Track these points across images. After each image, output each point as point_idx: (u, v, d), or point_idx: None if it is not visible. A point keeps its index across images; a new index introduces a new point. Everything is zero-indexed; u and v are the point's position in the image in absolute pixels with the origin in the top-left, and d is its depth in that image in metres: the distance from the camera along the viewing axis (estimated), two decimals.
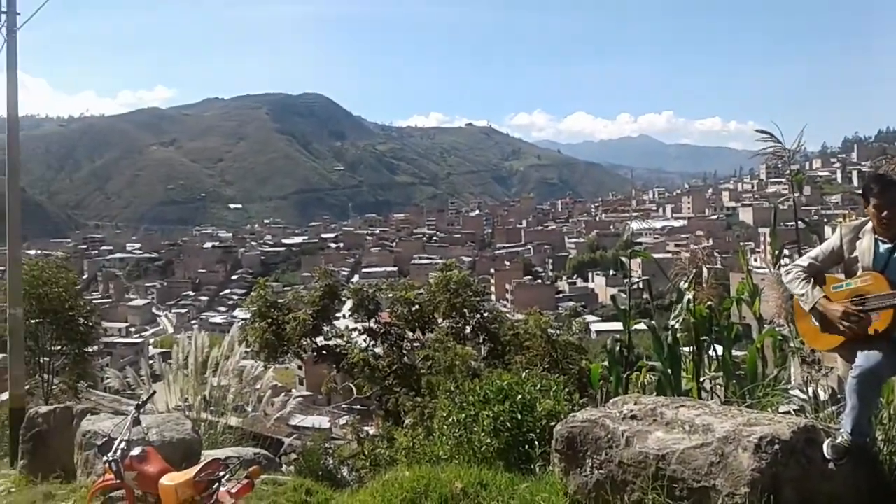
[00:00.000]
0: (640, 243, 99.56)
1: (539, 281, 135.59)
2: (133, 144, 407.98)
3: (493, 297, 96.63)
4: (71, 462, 8.29)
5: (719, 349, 7.07)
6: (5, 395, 13.37)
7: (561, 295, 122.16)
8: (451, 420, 6.95)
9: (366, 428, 12.81)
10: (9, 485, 8.67)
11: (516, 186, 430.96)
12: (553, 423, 6.30)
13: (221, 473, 5.05)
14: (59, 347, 16.23)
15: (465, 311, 14.39)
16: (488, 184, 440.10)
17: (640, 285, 8.61)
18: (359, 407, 16.42)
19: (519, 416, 6.53)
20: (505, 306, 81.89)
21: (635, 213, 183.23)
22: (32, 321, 14.90)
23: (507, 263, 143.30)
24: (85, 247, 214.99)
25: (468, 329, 14.44)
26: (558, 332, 14.02)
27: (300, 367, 40.92)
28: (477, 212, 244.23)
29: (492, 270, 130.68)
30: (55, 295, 15.44)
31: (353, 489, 7.37)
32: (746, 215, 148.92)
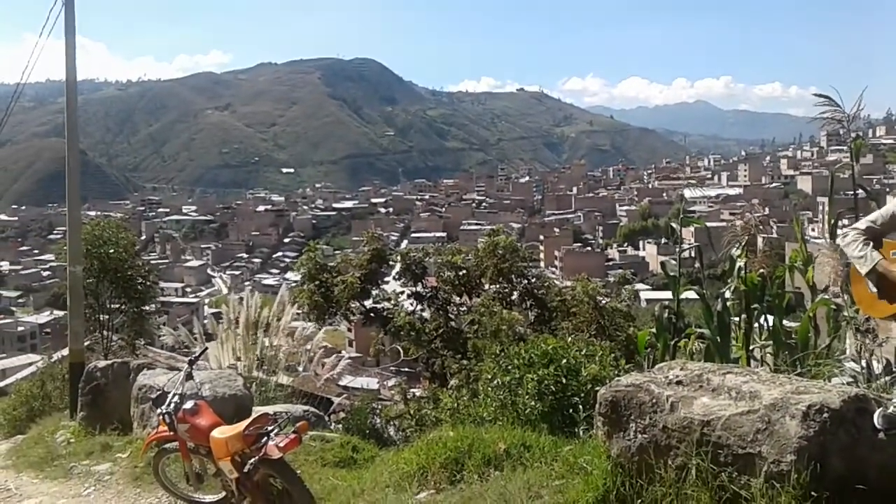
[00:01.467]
0: (694, 211, 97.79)
1: (588, 248, 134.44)
2: (189, 108, 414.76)
3: (541, 263, 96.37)
4: (127, 414, 8.60)
5: (770, 318, 6.95)
6: (66, 350, 13.87)
7: (611, 263, 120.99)
8: (495, 383, 6.99)
9: (412, 389, 12.97)
10: (69, 435, 8.97)
11: (567, 153, 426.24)
12: (597, 388, 6.30)
13: (270, 427, 5.19)
14: (118, 305, 16.72)
15: (512, 276, 14.37)
16: (539, 150, 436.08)
17: (692, 253, 8.47)
18: (406, 369, 16.65)
19: (563, 380, 6.54)
20: (553, 273, 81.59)
21: (689, 181, 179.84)
22: (92, 279, 15.35)
23: (557, 230, 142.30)
24: (143, 208, 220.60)
25: (515, 294, 14.43)
26: (606, 299, 13.91)
27: (349, 329, 41.53)
28: (527, 178, 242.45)
29: (541, 237, 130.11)
30: (115, 255, 15.87)
31: (398, 447, 7.50)
32: (805, 184, 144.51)
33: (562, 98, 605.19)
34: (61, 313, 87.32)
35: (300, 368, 12.16)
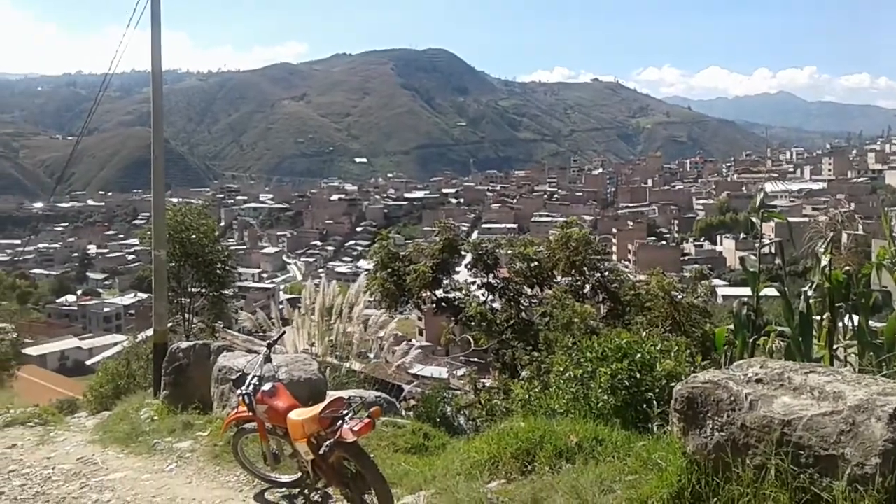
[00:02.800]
0: (775, 206, 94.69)
1: (663, 242, 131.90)
2: (266, 99, 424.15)
3: (614, 256, 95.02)
4: (208, 394, 8.88)
5: (855, 318, 6.69)
6: (150, 331, 14.44)
7: (686, 257, 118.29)
8: (567, 375, 6.96)
9: (482, 380, 13.01)
10: (152, 413, 9.29)
11: (642, 144, 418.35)
12: (673, 384, 6.20)
13: (345, 411, 5.30)
14: (198, 289, 17.32)
15: (585, 269, 14.21)
16: (613, 141, 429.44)
17: (772, 249, 8.21)
18: (476, 359, 16.65)
19: (637, 375, 6.46)
20: (626, 267, 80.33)
21: (770, 174, 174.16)
22: (175, 264, 15.92)
23: (631, 223, 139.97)
24: (222, 196, 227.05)
25: (587, 287, 14.29)
26: (682, 294, 13.61)
27: (420, 318, 41.88)
28: (600, 170, 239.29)
29: (614, 230, 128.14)
30: (196, 240, 16.43)
31: (469, 436, 7.54)
32: (893, 179, 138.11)
33: (637, 88, 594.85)
34: (145, 295, 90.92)
35: (371, 355, 12.34)
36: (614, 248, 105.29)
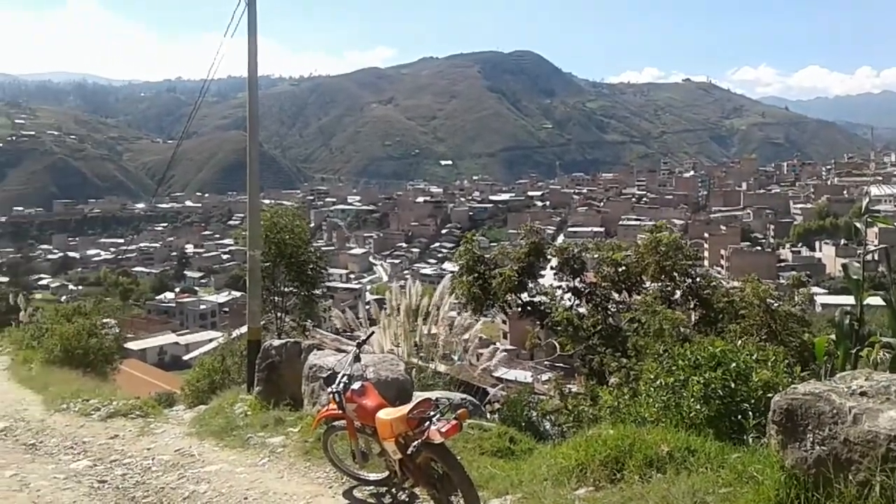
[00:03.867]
0: (879, 210, 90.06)
1: (758, 248, 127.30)
2: (355, 102, 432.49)
3: (706, 262, 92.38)
4: (298, 391, 9.08)
5: None
6: (244, 329, 14.91)
7: (783, 264, 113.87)
8: (658, 383, 6.82)
9: (568, 385, 12.88)
10: (246, 408, 9.55)
11: (736, 146, 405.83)
12: (770, 395, 6.00)
13: (432, 413, 5.34)
14: (290, 289, 17.78)
15: (675, 274, 13.86)
16: (705, 143, 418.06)
17: (877, 255, 7.82)
18: (561, 364, 16.50)
19: (732, 385, 6.27)
20: (719, 272, 77.99)
21: (875, 177, 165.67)
22: (269, 263, 16.38)
23: (724, 228, 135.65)
24: (312, 198, 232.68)
25: (678, 293, 13.93)
26: (778, 301, 13.10)
27: (504, 322, 41.81)
28: (692, 173, 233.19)
29: (706, 235, 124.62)
30: (290, 241, 16.88)
31: (555, 442, 7.49)
32: None
33: (731, 89, 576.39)
34: (239, 294, 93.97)
35: (455, 357, 12.39)
36: (706, 254, 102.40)
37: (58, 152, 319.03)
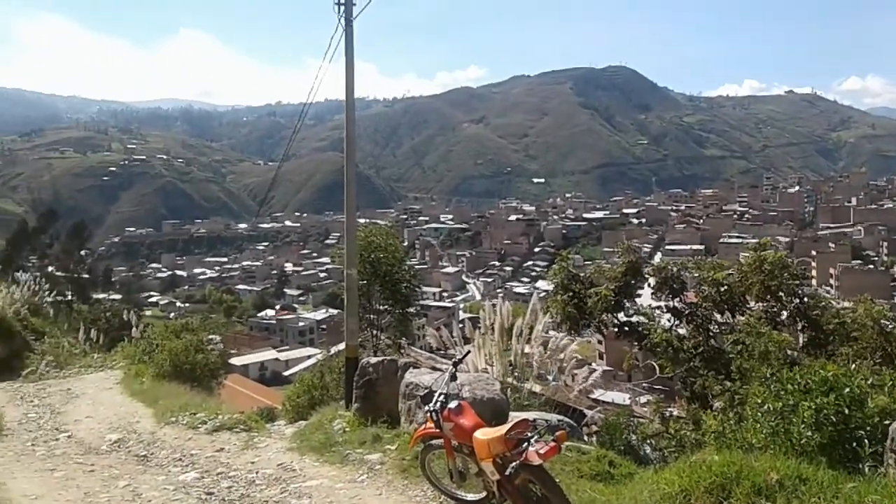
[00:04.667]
0: None
1: (870, 266, 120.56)
2: (447, 122, 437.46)
3: (814, 281, 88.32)
4: (395, 409, 9.17)
5: None
6: (342, 346, 15.19)
7: None
8: (766, 408, 6.54)
9: (668, 408, 12.51)
10: (344, 424, 9.69)
11: (844, 160, 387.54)
12: (887, 422, 5.68)
13: (530, 434, 5.30)
14: (385, 307, 18.04)
15: (782, 294, 13.26)
16: (810, 157, 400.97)
17: None
18: (660, 387, 16.04)
19: (846, 411, 5.96)
20: (828, 292, 74.35)
21: None
22: (365, 282, 16.68)
23: (832, 245, 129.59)
24: (405, 216, 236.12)
25: (784, 314, 13.32)
26: (894, 323, 12.34)
27: (600, 342, 41.08)
28: (797, 188, 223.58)
29: (813, 252, 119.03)
30: (385, 259, 17.16)
31: (657, 467, 7.28)
32: None
33: (838, 100, 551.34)
34: (336, 311, 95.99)
35: (550, 378, 12.25)
36: (814, 273, 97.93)
37: (166, 175, 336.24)
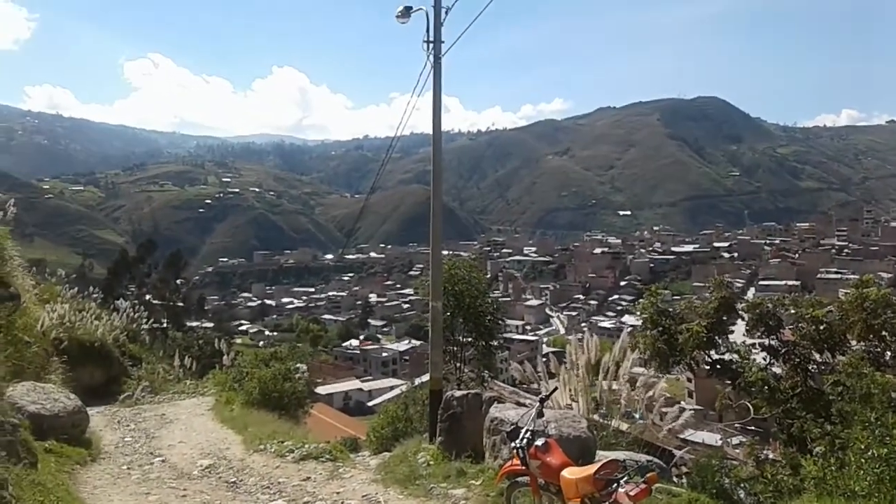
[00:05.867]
0: None
1: None
2: (531, 154, 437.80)
3: None
4: (479, 443, 9.09)
5: None
6: (425, 377, 15.19)
7: None
8: (870, 454, 6.21)
9: (763, 451, 11.97)
10: (428, 458, 9.68)
11: None
12: None
13: (619, 475, 5.17)
14: (469, 339, 18.00)
15: (885, 334, 12.57)
16: None
17: None
18: (753, 428, 15.39)
19: None
20: None
21: None
22: (449, 314, 16.71)
23: None
24: (489, 249, 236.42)
25: (888, 355, 12.61)
26: None
27: (689, 380, 39.88)
28: None
29: None
30: (468, 292, 17.17)
31: None
32: None
33: None
34: (419, 342, 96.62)
35: (637, 416, 11.94)
36: None
37: (258, 207, 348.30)
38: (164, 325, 39.53)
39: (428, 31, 12.23)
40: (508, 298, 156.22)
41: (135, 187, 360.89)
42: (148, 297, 45.09)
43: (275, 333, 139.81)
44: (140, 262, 50.37)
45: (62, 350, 15.49)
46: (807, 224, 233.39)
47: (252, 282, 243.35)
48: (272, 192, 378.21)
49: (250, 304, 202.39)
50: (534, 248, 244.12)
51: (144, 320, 25.04)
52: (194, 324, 51.77)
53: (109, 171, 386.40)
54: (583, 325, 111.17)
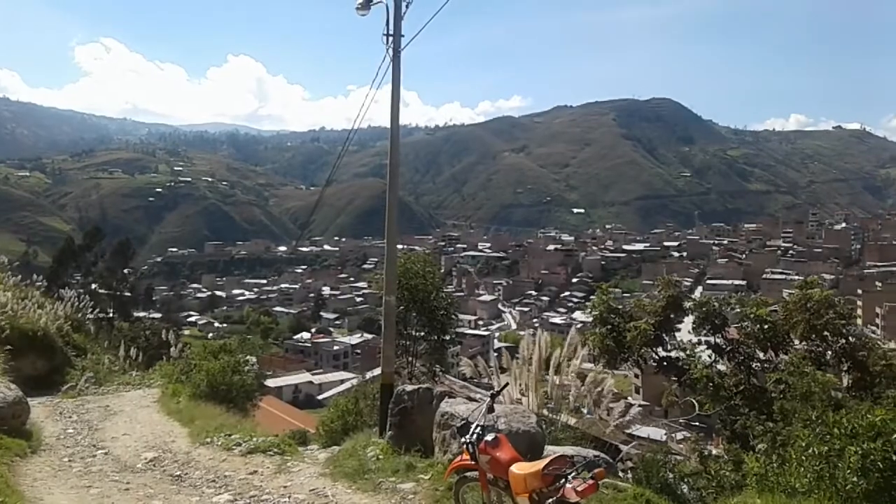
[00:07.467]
0: None
1: None
2: (488, 150, 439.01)
3: (859, 320, 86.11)
4: (429, 438, 9.10)
5: None
6: (376, 371, 15.13)
7: None
8: (810, 451, 6.36)
9: (706, 447, 12.21)
10: (378, 452, 9.65)
11: (893, 198, 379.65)
12: None
13: (568, 470, 5.20)
14: (422, 334, 17.98)
15: (827, 333, 12.93)
16: (858, 194, 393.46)
17: None
18: (697, 424, 15.71)
19: (894, 457, 5.77)
20: (874, 332, 72.48)
21: None
22: (402, 308, 16.66)
23: (879, 284, 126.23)
24: (443, 243, 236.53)
25: (829, 354, 12.97)
26: None
27: (637, 377, 40.53)
28: (843, 225, 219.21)
29: (859, 291, 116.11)
30: (422, 287, 17.14)
31: None
32: None
33: (887, 136, 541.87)
34: (371, 336, 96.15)
35: (585, 411, 12.07)
36: (859, 312, 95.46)
37: (210, 197, 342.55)
38: (111, 315, 38.68)
39: (388, 24, 12.16)
40: (462, 293, 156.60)
41: (83, 174, 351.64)
42: (94, 286, 44.09)
43: (224, 325, 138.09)
44: (86, 251, 49.19)
45: (3, 339, 15.11)
46: (754, 225, 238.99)
47: (202, 273, 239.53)
48: (225, 183, 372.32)
49: (200, 295, 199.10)
50: (488, 244, 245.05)
51: (90, 310, 24.47)
52: (141, 314, 50.85)
53: (57, 157, 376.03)
54: (534, 321, 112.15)
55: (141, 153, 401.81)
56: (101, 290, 43.40)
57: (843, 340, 12.91)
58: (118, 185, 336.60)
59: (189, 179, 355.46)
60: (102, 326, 29.24)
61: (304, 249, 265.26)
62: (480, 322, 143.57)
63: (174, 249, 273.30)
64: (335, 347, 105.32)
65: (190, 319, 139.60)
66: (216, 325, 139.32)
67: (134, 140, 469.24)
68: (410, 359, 18.00)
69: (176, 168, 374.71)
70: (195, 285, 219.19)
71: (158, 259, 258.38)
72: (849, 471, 5.87)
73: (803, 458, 6.44)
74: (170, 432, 11.92)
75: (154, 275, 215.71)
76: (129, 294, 49.14)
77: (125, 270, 50.71)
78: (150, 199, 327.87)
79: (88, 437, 11.55)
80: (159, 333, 26.27)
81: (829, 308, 12.99)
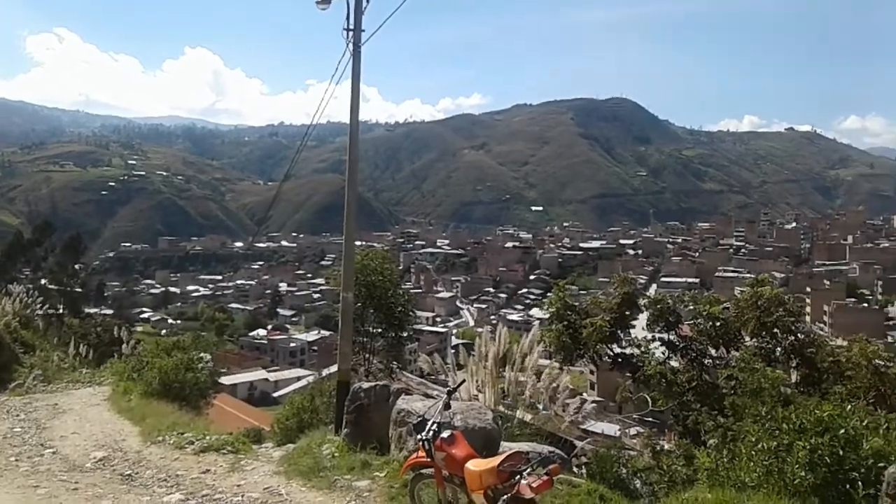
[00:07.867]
0: None
1: (865, 305, 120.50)
2: (448, 147, 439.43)
3: (807, 318, 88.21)
4: (386, 435, 9.05)
5: None
6: (333, 368, 15.03)
7: (892, 322, 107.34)
8: (760, 446, 6.48)
9: (659, 442, 12.40)
10: (333, 449, 9.55)
11: (842, 198, 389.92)
12: (882, 465, 5.62)
13: (523, 466, 5.22)
14: (379, 330, 17.91)
15: (777, 331, 13.21)
16: (808, 194, 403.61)
17: None
18: (650, 419, 15.92)
19: (841, 452, 5.90)
20: (822, 329, 74.38)
21: None
22: (359, 305, 16.56)
23: (827, 283, 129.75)
24: (402, 240, 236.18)
25: (779, 351, 13.25)
26: (888, 363, 12.26)
27: (592, 373, 40.92)
28: (794, 224, 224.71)
29: (808, 289, 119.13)
30: (380, 283, 17.07)
31: (647, 503, 7.18)
32: None
33: (837, 138, 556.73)
34: (328, 333, 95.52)
35: (540, 407, 12.14)
36: (808, 309, 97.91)
37: (165, 192, 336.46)
38: (60, 311, 37.73)
39: (348, 18, 12.06)
40: (420, 290, 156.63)
41: (33, 167, 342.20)
42: (43, 281, 42.96)
43: (178, 322, 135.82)
44: (36, 245, 47.89)
45: None
46: (708, 224, 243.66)
47: (156, 268, 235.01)
48: (180, 177, 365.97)
49: (153, 291, 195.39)
50: (447, 241, 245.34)
51: (39, 306, 23.94)
52: (93, 310, 49.69)
53: (6, 149, 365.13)
54: (492, 317, 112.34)
55: (94, 146, 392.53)
56: (50, 286, 42.28)
57: (793, 337, 13.20)
58: (70, 179, 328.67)
59: (143, 173, 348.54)
60: (52, 323, 28.58)
61: (261, 245, 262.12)
62: (438, 319, 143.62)
63: (127, 244, 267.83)
64: (291, 344, 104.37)
65: (143, 316, 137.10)
66: (170, 321, 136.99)
67: (87, 132, 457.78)
68: (368, 356, 17.91)
69: (130, 161, 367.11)
70: (148, 281, 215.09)
71: (111, 254, 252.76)
72: (797, 465, 5.99)
73: (753, 452, 6.55)
74: (120, 431, 11.68)
75: (106, 270, 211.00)
76: (79, 290, 47.94)
77: (76, 266, 49.44)
78: (103, 192, 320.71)
79: (36, 436, 11.27)
80: (111, 330, 25.78)
81: (779, 306, 13.27)
